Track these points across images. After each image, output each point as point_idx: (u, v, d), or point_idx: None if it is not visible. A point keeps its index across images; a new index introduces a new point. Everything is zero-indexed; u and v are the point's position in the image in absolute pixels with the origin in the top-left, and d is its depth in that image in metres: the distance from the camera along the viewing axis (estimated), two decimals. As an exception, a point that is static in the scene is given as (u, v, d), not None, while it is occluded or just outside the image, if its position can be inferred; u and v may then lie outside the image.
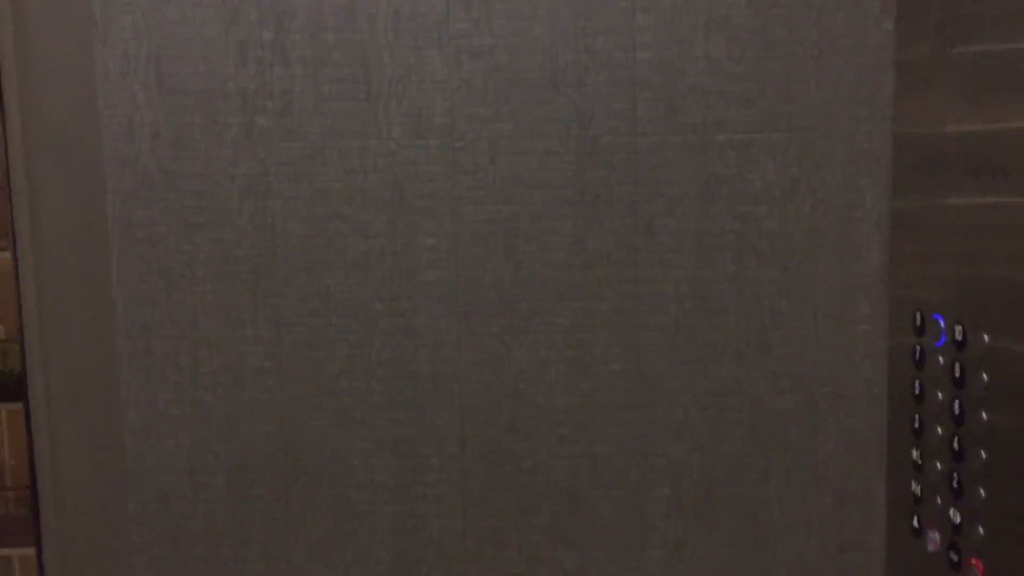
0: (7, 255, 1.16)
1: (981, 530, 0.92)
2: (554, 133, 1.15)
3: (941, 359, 0.98)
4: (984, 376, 0.91)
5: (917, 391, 1.03)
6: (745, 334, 1.18)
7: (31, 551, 1.18)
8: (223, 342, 1.18)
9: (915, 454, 1.03)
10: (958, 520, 0.95)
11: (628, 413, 1.19)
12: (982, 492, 0.92)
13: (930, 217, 1.01)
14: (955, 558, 0.96)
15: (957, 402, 0.96)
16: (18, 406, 1.18)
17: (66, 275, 1.17)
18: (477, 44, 1.14)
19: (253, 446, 1.19)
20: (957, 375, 0.95)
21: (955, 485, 0.95)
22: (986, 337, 0.91)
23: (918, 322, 1.03)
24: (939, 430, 0.99)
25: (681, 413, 1.19)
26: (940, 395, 0.99)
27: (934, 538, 0.99)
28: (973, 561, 0.93)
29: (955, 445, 0.96)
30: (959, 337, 0.95)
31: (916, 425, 1.04)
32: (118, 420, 1.19)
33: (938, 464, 0.99)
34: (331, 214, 1.17)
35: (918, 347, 1.03)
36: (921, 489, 1.02)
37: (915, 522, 1.03)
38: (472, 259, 1.17)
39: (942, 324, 0.98)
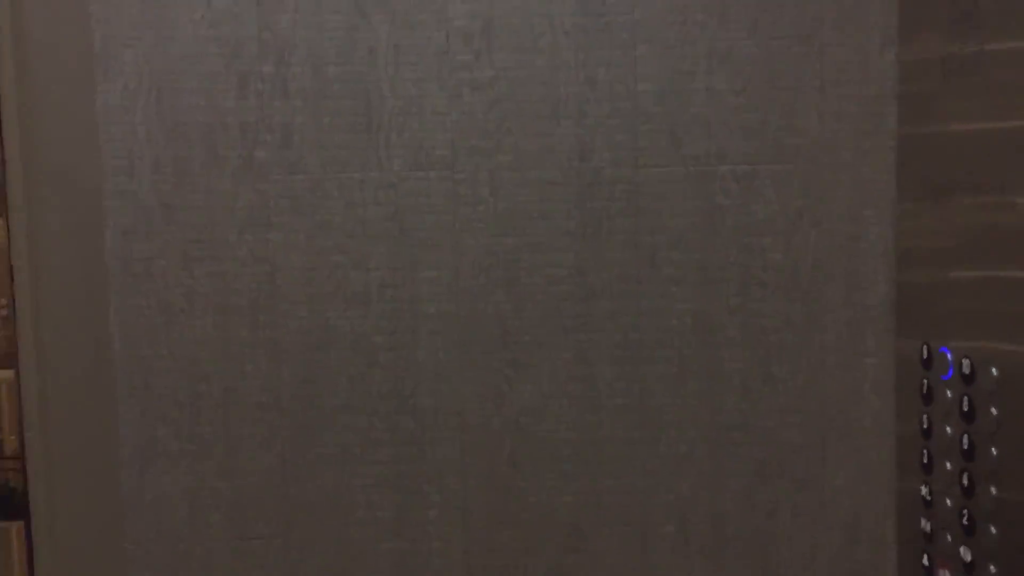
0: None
1: (993, 568, 0.90)
2: (555, 165, 1.15)
3: (949, 393, 0.96)
4: (993, 410, 0.89)
5: (926, 425, 1.01)
6: (751, 367, 1.16)
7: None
8: (222, 376, 1.17)
9: (924, 490, 1.01)
10: (969, 558, 0.93)
11: (632, 448, 1.18)
12: (993, 529, 0.90)
13: (935, 248, 1.00)
14: (967, 598, 0.93)
15: (966, 437, 0.94)
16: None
17: (64, 309, 1.16)
18: (478, 76, 1.14)
19: (252, 482, 1.18)
20: (966, 409, 0.93)
21: (965, 522, 0.93)
22: (994, 371, 0.89)
23: (925, 355, 1.01)
24: (948, 465, 0.97)
25: (687, 448, 1.17)
26: (949, 429, 0.97)
27: (945, 577, 0.97)
28: (985, 601, 0.90)
29: (964, 481, 0.94)
30: (967, 371, 0.93)
31: (925, 460, 1.01)
32: (116, 456, 1.18)
33: (948, 500, 0.97)
34: (331, 247, 1.16)
35: (926, 381, 1.01)
36: (931, 526, 1.00)
37: (925, 560, 1.01)
38: (473, 292, 1.16)
39: (949, 357, 0.96)
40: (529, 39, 1.14)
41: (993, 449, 0.90)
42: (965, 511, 0.94)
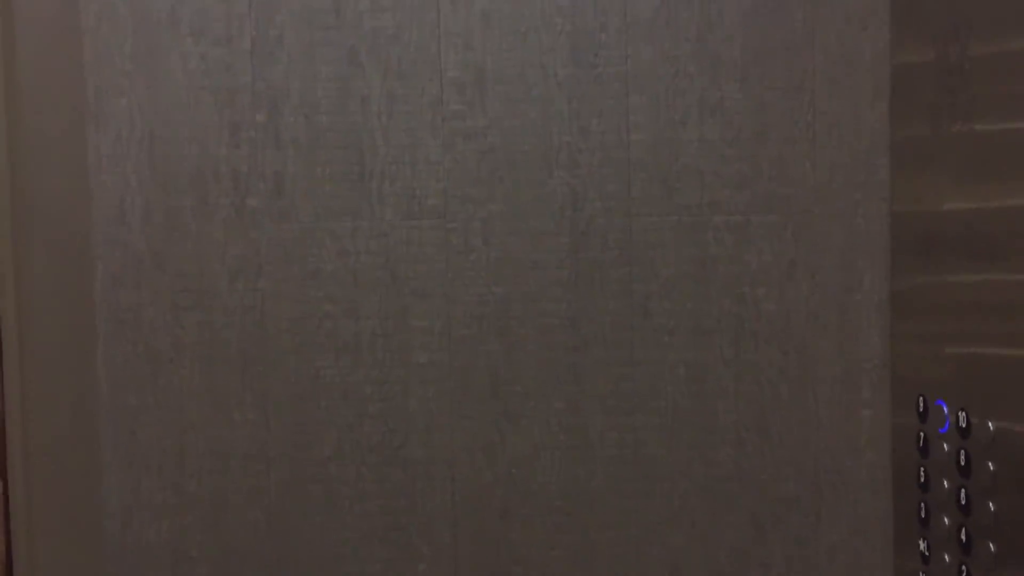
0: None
1: (993, 627, 0.88)
2: (548, 214, 1.15)
3: (946, 446, 0.95)
4: (990, 465, 0.88)
5: (922, 479, 1.00)
6: (745, 419, 1.15)
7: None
8: (209, 426, 1.16)
9: (922, 545, 1.00)
10: (969, 616, 0.91)
11: (625, 500, 1.16)
12: (992, 587, 0.88)
13: (930, 300, 0.99)
14: (967, 657, 0.91)
15: (964, 491, 0.92)
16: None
17: (51, 356, 1.15)
18: (471, 126, 1.14)
19: (238, 535, 1.16)
20: (963, 463, 0.92)
21: (964, 579, 0.91)
22: (991, 424, 0.88)
23: (921, 407, 1.00)
24: (946, 520, 0.95)
25: (680, 501, 1.16)
26: (946, 483, 0.95)
27: (944, 635, 0.95)
28: (986, 661, 0.89)
29: (963, 536, 0.92)
30: (963, 424, 0.92)
31: (923, 515, 1.00)
32: (99, 507, 1.16)
33: (946, 556, 0.95)
34: (322, 296, 1.15)
35: (922, 433, 1.00)
36: (929, 582, 0.98)
37: (924, 617, 0.99)
38: (465, 341, 1.15)
39: (946, 410, 0.95)
40: (522, 89, 1.14)
41: (991, 504, 0.88)
42: (964, 567, 0.92)
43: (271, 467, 1.16)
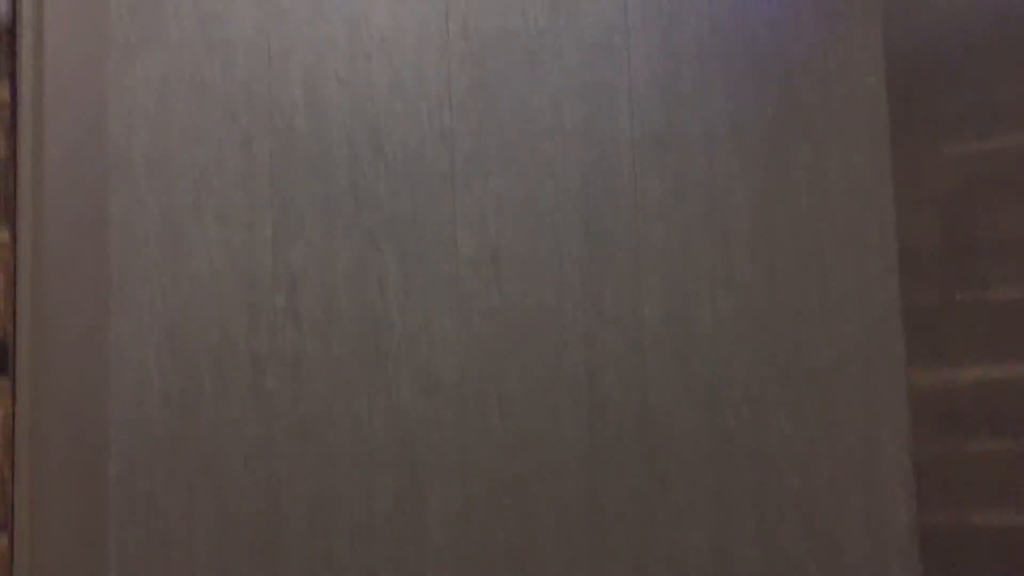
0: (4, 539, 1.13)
1: None
2: (564, 390, 1.14)
3: (985, 631, 0.91)
4: (1034, 653, 0.84)
5: (963, 666, 0.95)
6: (773, 599, 1.11)
7: None
8: (221, 615, 1.12)
9: None
10: None
11: None
12: None
13: (956, 472, 0.97)
14: None
15: None
16: None
17: (61, 544, 1.13)
18: (486, 305, 1.16)
19: None
20: (1004, 651, 0.88)
21: None
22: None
23: (956, 589, 0.96)
24: None
25: None
26: (989, 672, 0.91)
27: None
28: None
29: None
30: (1001, 608, 0.88)
31: None
32: None
33: None
34: (337, 476, 1.14)
35: (959, 616, 0.96)
36: None
37: None
38: (483, 521, 1.13)
39: (982, 592, 0.92)
40: (536, 268, 1.16)
41: None
42: None
43: (283, 657, 1.12)
